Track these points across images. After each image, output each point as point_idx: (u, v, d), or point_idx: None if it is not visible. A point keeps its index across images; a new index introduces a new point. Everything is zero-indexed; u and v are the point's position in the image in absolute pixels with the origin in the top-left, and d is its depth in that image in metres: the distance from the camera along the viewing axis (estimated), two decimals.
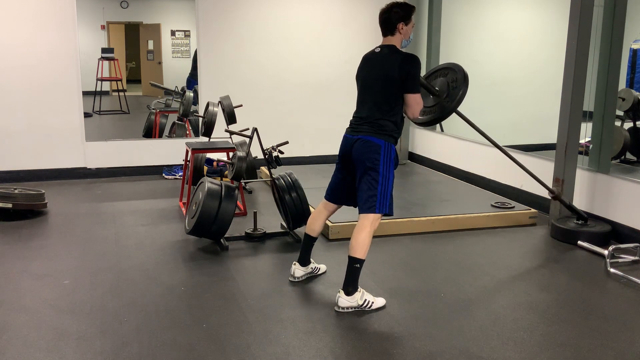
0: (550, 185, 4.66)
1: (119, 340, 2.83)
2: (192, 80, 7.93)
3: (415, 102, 3.17)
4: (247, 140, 4.41)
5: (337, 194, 3.43)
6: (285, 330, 2.95)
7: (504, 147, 4.21)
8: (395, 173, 3.26)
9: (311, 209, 4.32)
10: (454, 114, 3.58)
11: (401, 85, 3.12)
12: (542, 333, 2.96)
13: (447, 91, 3.50)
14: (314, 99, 7.00)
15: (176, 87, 8.01)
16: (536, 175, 4.38)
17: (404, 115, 3.26)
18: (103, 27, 10.95)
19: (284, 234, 4.46)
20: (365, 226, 3.14)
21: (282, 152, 4.26)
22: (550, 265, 4.03)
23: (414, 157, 7.32)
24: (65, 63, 6.08)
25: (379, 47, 3.24)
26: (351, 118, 3.33)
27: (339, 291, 3.18)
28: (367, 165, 3.14)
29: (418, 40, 7.19)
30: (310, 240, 3.54)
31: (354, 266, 3.13)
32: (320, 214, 3.49)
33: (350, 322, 3.06)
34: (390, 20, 3.17)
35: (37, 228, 4.61)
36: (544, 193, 4.72)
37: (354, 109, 3.37)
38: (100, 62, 9.66)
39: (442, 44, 6.99)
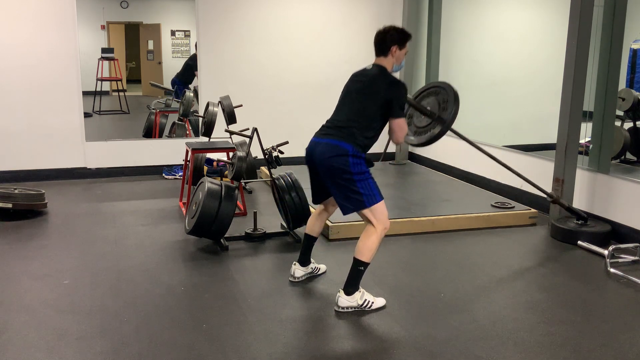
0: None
1: (119, 340, 2.83)
2: (177, 80, 7.96)
3: (399, 128, 3.13)
4: (247, 140, 4.41)
5: (321, 195, 3.42)
6: (285, 330, 2.95)
7: (500, 160, 4.21)
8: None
9: (311, 209, 4.32)
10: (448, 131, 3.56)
11: (385, 108, 3.10)
12: (542, 333, 2.96)
13: (438, 111, 3.49)
14: (314, 99, 6.99)
15: (176, 86, 8.01)
16: (534, 182, 4.39)
17: (390, 139, 3.23)
18: (103, 27, 10.94)
19: (284, 234, 4.46)
20: (375, 230, 3.10)
21: (282, 152, 4.26)
22: (550, 265, 4.03)
23: (414, 157, 7.31)
24: (65, 63, 6.08)
25: (371, 65, 3.24)
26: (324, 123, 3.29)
27: (339, 291, 3.18)
28: (337, 170, 3.07)
29: (418, 40, 7.19)
30: (310, 241, 3.54)
31: (358, 268, 3.13)
32: (320, 214, 3.50)
33: (350, 322, 3.06)
34: (385, 41, 3.16)
35: (37, 228, 4.61)
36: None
37: None
38: (100, 62, 9.65)
39: (442, 44, 6.99)
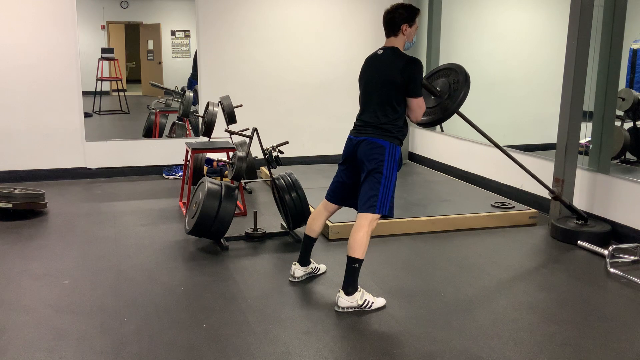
0: (550, 185, 4.66)
1: (119, 340, 2.83)
2: (193, 80, 7.94)
3: (417, 106, 3.18)
4: (247, 140, 4.41)
5: (339, 195, 3.43)
6: (285, 330, 2.95)
7: (504, 147, 4.21)
8: (397, 174, 3.26)
9: (311, 209, 4.32)
10: (455, 114, 3.58)
11: (403, 88, 3.12)
12: (542, 333, 2.96)
13: (448, 92, 3.50)
14: (314, 99, 7.00)
15: (176, 87, 8.01)
16: (536, 176, 4.39)
17: (407, 117, 3.27)
18: (103, 27, 10.95)
19: (284, 234, 4.46)
20: (363, 225, 3.13)
21: (282, 152, 4.26)
22: (550, 265, 4.03)
23: (414, 157, 7.32)
24: (65, 63, 6.08)
25: (382, 48, 3.24)
26: (355, 120, 3.33)
27: (339, 291, 3.18)
28: (371, 167, 3.14)
29: (418, 40, 7.19)
30: (310, 241, 3.54)
31: (353, 266, 3.13)
32: (320, 214, 3.49)
33: (350, 322, 3.06)
34: (395, 20, 3.17)
35: (37, 228, 4.61)
36: (544, 193, 4.72)
37: (354, 108, 3.37)
38: (100, 62, 9.66)
39: (442, 44, 6.99)
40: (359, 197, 3.22)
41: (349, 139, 3.30)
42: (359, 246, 3.12)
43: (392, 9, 3.19)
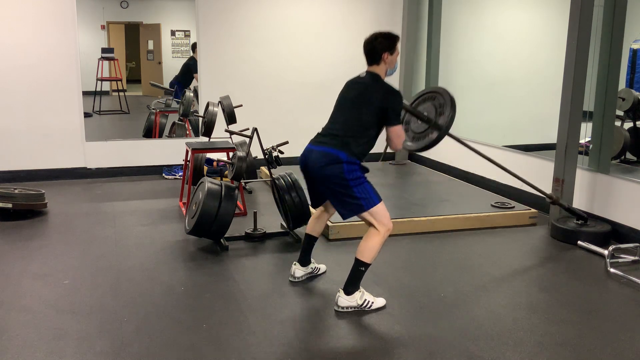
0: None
1: (119, 340, 2.83)
2: (176, 82, 7.97)
3: (395, 135, 3.14)
4: (247, 140, 4.41)
5: (319, 200, 3.42)
6: (285, 330, 2.95)
7: (499, 163, 4.22)
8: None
9: (311, 209, 4.32)
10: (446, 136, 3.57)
11: (382, 117, 3.09)
12: (542, 333, 2.96)
13: (435, 116, 3.49)
14: (314, 99, 6.99)
15: (176, 87, 8.01)
16: (533, 184, 4.39)
17: (387, 145, 3.23)
18: (103, 27, 10.94)
19: (284, 234, 4.46)
20: (375, 234, 3.10)
21: (282, 152, 4.26)
22: (550, 265, 4.03)
23: (414, 157, 7.31)
24: (65, 63, 6.08)
25: (364, 72, 3.23)
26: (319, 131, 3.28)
27: (339, 291, 3.18)
28: (333, 177, 3.06)
29: (418, 40, 7.19)
30: (310, 240, 3.54)
31: (359, 269, 3.12)
32: (321, 214, 3.50)
33: (350, 322, 3.06)
34: (375, 50, 3.14)
35: (37, 228, 4.61)
36: None
37: None
38: (100, 62, 9.65)
39: (442, 44, 6.99)
40: (336, 207, 3.18)
41: (305, 149, 3.24)
42: (369, 251, 3.09)
43: (371, 38, 3.16)
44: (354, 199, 3.07)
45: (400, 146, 3.20)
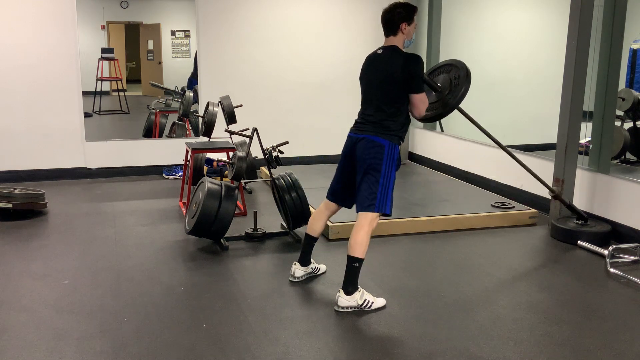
0: (550, 185, 4.66)
1: (119, 340, 2.83)
2: (193, 80, 7.93)
3: (420, 102, 3.19)
4: (247, 140, 4.41)
5: (339, 195, 3.43)
6: (285, 330, 2.95)
7: (505, 147, 4.21)
8: (395, 173, 3.27)
9: (311, 209, 4.32)
10: (455, 110, 3.58)
11: (405, 85, 3.13)
12: (542, 333, 2.96)
13: (449, 87, 3.50)
14: (314, 98, 7.00)
15: (176, 87, 8.01)
16: (537, 174, 4.38)
17: (410, 114, 3.27)
18: (103, 27, 10.95)
19: (284, 234, 4.46)
20: (363, 225, 3.14)
21: (282, 152, 4.26)
22: (550, 265, 4.03)
23: (414, 157, 7.32)
24: (65, 63, 6.08)
25: (381, 48, 3.25)
26: (356, 117, 3.33)
27: (339, 291, 3.18)
28: (369, 165, 3.14)
29: (418, 40, 7.18)
30: (311, 240, 3.54)
31: (353, 265, 3.14)
32: (322, 214, 3.49)
33: (350, 322, 3.06)
34: (393, 20, 3.17)
35: (37, 228, 4.61)
36: (544, 193, 4.72)
37: (355, 108, 3.37)
38: (100, 62, 9.66)
39: (442, 44, 6.99)
40: (357, 196, 3.22)
41: (349, 137, 3.30)
42: (359, 246, 3.12)
43: (390, 8, 3.19)
44: (373, 194, 3.11)
45: (424, 112, 3.27)
